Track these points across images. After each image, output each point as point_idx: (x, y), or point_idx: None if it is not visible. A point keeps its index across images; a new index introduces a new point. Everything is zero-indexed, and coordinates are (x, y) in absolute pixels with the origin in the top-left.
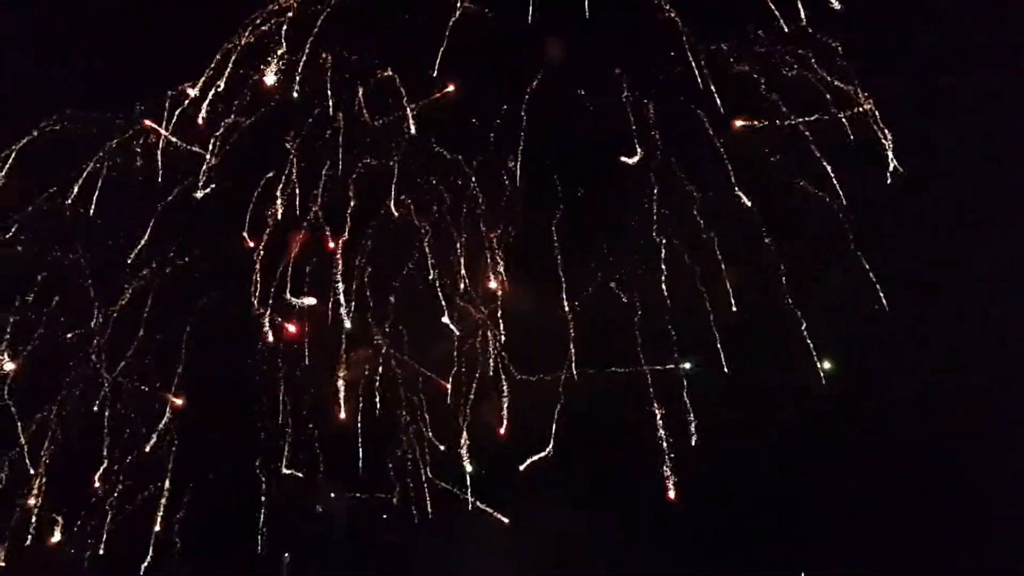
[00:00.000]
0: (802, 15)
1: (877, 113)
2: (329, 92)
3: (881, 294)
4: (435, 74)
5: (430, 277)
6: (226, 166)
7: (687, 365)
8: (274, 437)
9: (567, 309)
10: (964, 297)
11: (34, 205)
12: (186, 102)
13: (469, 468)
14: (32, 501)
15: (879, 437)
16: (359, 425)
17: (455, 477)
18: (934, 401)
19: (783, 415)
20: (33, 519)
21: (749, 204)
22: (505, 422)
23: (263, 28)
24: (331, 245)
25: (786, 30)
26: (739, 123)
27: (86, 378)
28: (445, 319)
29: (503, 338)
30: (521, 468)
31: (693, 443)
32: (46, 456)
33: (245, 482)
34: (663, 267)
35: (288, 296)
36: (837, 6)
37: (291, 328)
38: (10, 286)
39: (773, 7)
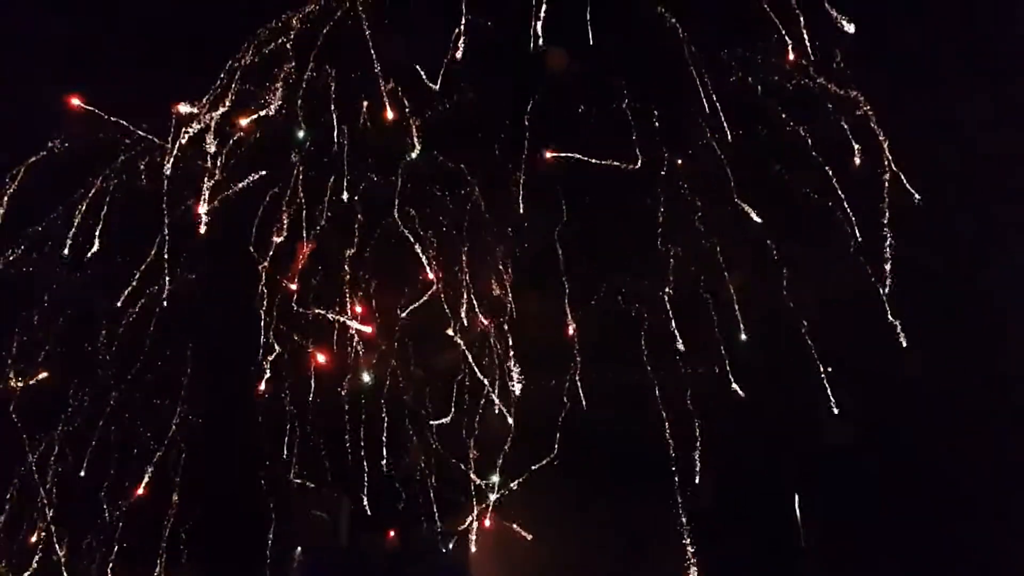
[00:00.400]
0: (806, 40)
1: (873, 116)
2: (333, 107)
3: (884, 299)
4: (438, 86)
5: (435, 287)
6: (231, 182)
7: None
8: (281, 447)
9: (571, 319)
10: (974, 307)
11: (43, 222)
12: (194, 123)
13: (477, 480)
14: (40, 519)
15: (885, 447)
16: (362, 434)
17: (461, 486)
18: (948, 416)
19: (790, 422)
20: (41, 535)
21: (753, 215)
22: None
23: (269, 46)
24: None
25: (791, 56)
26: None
27: (93, 394)
28: (450, 331)
29: (510, 348)
30: (524, 477)
31: (698, 450)
32: (53, 473)
33: (253, 493)
34: (670, 277)
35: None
36: (850, 29)
37: (320, 359)
38: (18, 304)
39: (777, 21)
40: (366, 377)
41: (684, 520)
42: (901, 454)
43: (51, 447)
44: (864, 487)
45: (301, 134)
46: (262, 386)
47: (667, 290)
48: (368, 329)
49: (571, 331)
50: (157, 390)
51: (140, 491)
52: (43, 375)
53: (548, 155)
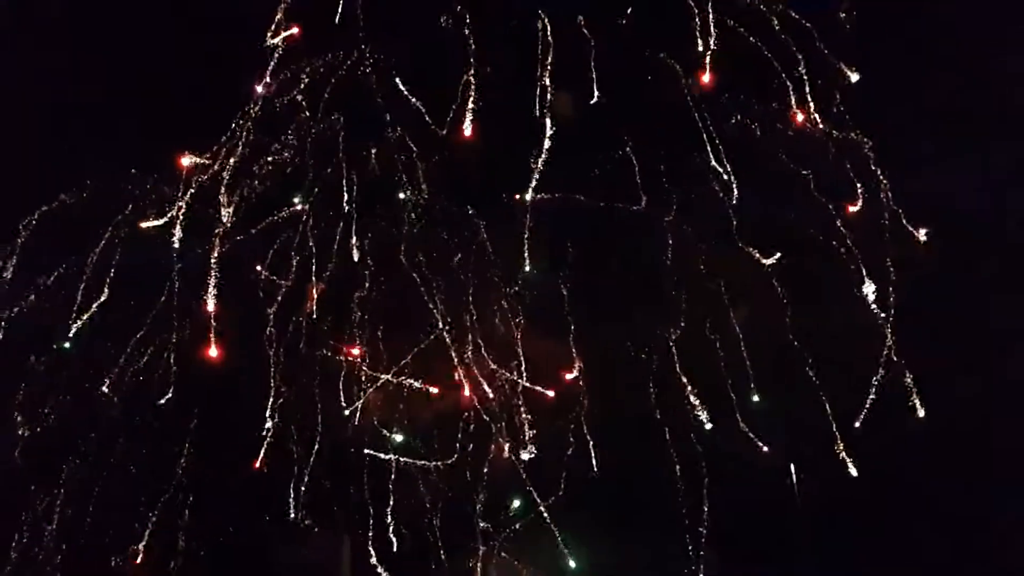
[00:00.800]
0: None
1: (872, 155)
2: (341, 153)
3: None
4: (444, 132)
5: (440, 328)
6: (240, 230)
7: None
8: (286, 491)
9: (578, 360)
10: (981, 344)
11: (54, 272)
12: (203, 176)
13: (483, 524)
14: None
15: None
16: (365, 475)
17: (465, 528)
18: (954, 452)
19: (799, 463)
20: None
21: (759, 256)
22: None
23: (279, 98)
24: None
25: (799, 119)
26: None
27: (97, 444)
28: (457, 374)
29: (519, 392)
30: (530, 517)
31: (706, 490)
32: (55, 526)
33: (258, 537)
34: (682, 322)
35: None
36: (854, 78)
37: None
38: (27, 352)
39: (777, 65)
40: (399, 437)
41: (693, 565)
42: (905, 488)
43: (56, 496)
44: (872, 522)
45: (297, 200)
46: (258, 463)
47: (674, 333)
48: (435, 390)
49: (576, 374)
50: (164, 437)
51: (144, 541)
52: (49, 422)
53: (516, 197)
